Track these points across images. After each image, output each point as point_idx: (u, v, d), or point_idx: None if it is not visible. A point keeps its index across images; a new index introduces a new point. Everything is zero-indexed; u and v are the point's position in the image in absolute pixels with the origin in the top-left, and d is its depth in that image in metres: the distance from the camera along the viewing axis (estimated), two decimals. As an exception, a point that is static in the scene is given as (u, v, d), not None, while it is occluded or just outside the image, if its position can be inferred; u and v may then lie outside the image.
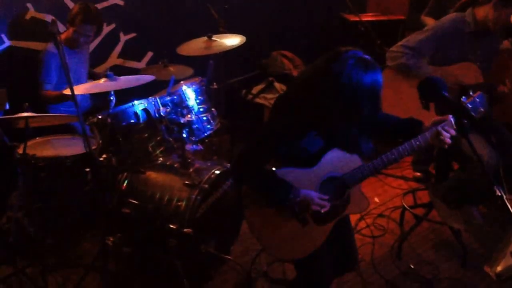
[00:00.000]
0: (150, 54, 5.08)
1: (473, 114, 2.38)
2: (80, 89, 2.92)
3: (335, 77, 2.06)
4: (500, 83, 3.47)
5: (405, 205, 3.95)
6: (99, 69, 4.72)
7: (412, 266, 3.59)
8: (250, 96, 5.30)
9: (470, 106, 2.39)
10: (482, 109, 2.40)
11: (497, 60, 3.81)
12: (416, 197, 4.36)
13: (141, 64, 5.07)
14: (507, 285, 3.14)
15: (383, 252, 3.80)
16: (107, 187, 3.01)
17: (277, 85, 5.26)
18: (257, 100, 5.27)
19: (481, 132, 1.75)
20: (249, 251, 3.72)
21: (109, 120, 2.93)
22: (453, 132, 2.29)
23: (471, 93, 2.40)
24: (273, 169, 2.36)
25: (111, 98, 2.90)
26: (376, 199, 4.55)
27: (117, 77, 2.93)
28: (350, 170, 2.42)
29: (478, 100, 2.40)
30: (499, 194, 1.70)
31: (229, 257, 3.50)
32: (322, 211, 2.39)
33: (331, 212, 2.44)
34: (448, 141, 2.30)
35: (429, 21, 4.67)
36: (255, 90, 5.34)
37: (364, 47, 2.21)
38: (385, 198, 4.58)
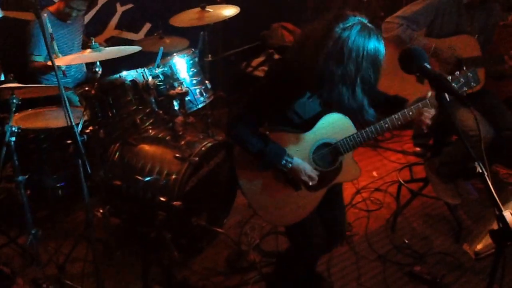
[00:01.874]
0: (148, 26, 5.02)
1: (467, 87, 2.36)
2: (63, 61, 2.88)
3: (340, 41, 2.02)
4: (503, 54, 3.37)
5: (401, 180, 3.90)
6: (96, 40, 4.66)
7: (406, 241, 3.57)
8: (250, 69, 5.24)
9: (463, 80, 2.36)
10: (474, 84, 2.37)
11: (499, 33, 3.72)
12: (414, 171, 4.32)
13: (140, 36, 5.02)
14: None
15: (378, 226, 3.79)
16: (94, 159, 2.99)
17: (277, 57, 5.18)
18: (257, 73, 5.20)
19: (465, 106, 1.69)
20: (242, 224, 3.72)
21: (93, 91, 2.89)
22: (432, 112, 2.32)
23: (464, 68, 2.37)
24: (267, 132, 2.36)
25: (96, 69, 2.86)
26: (374, 173, 4.51)
27: (101, 47, 2.89)
28: (343, 137, 2.41)
29: (471, 75, 2.37)
30: (480, 171, 1.65)
31: (221, 230, 3.50)
32: (310, 184, 2.38)
33: (323, 179, 2.44)
34: (427, 121, 2.33)
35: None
36: (255, 62, 5.27)
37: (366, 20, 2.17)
38: (383, 172, 4.54)
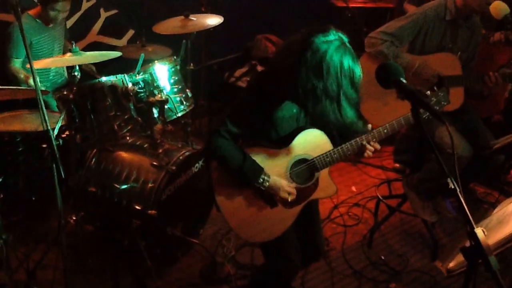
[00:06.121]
0: (131, 32, 4.99)
1: (438, 106, 2.40)
2: (40, 64, 2.84)
3: (319, 53, 2.06)
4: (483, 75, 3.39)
5: (379, 196, 3.90)
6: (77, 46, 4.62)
7: (383, 257, 3.55)
8: (232, 79, 5.22)
9: (434, 99, 2.41)
10: (445, 103, 2.41)
11: (483, 52, 3.74)
12: (393, 187, 4.32)
13: (123, 42, 4.99)
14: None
15: (355, 242, 3.77)
16: (70, 164, 2.94)
17: (259, 68, 5.18)
18: (239, 83, 5.19)
19: (440, 122, 1.71)
20: (218, 235, 3.69)
21: (71, 96, 2.85)
22: (373, 147, 2.37)
23: (435, 88, 2.44)
24: (245, 147, 2.34)
25: (75, 73, 2.82)
26: (353, 188, 4.50)
27: (82, 52, 2.85)
28: (320, 154, 2.40)
29: (441, 94, 2.45)
30: (452, 187, 1.64)
31: (195, 241, 3.45)
32: (290, 200, 2.38)
33: (299, 195, 2.43)
34: (367, 154, 2.39)
35: (411, 9, 4.56)
36: (238, 73, 5.26)
37: (349, 34, 2.19)
38: (362, 187, 4.52)
